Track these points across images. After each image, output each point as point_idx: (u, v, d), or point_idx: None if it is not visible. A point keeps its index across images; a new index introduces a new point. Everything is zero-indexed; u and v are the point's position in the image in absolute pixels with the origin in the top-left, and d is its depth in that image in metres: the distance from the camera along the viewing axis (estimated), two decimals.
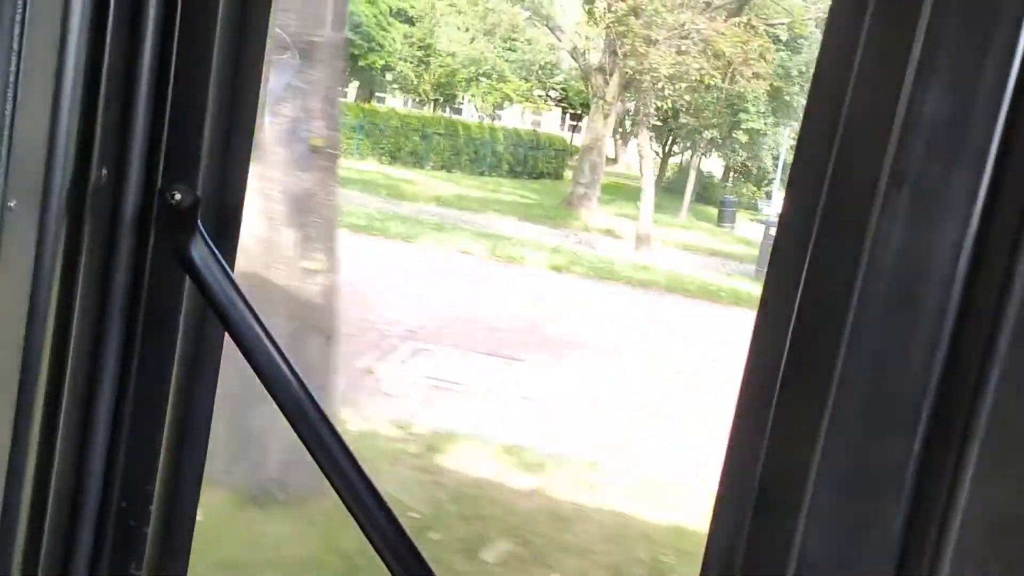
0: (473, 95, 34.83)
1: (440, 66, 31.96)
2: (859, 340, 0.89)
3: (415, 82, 33.93)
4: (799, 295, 0.92)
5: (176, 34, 1.14)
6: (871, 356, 0.89)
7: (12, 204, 1.04)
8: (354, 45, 30.37)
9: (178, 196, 1.17)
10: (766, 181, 31.93)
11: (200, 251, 1.19)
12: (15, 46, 1.02)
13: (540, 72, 31.61)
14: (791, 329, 0.92)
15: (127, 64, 1.13)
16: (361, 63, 31.61)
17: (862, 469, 0.91)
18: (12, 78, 1.02)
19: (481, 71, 31.48)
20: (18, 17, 1.02)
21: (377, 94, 36.43)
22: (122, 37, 1.11)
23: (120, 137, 1.14)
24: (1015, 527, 0.88)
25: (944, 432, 0.88)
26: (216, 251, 1.20)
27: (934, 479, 0.89)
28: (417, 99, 36.73)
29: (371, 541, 1.18)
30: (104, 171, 1.13)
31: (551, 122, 41.06)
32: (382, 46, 31.92)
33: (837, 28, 0.92)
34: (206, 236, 1.19)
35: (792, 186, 0.95)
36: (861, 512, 0.92)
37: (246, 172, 1.23)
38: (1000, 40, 0.83)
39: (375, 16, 31.54)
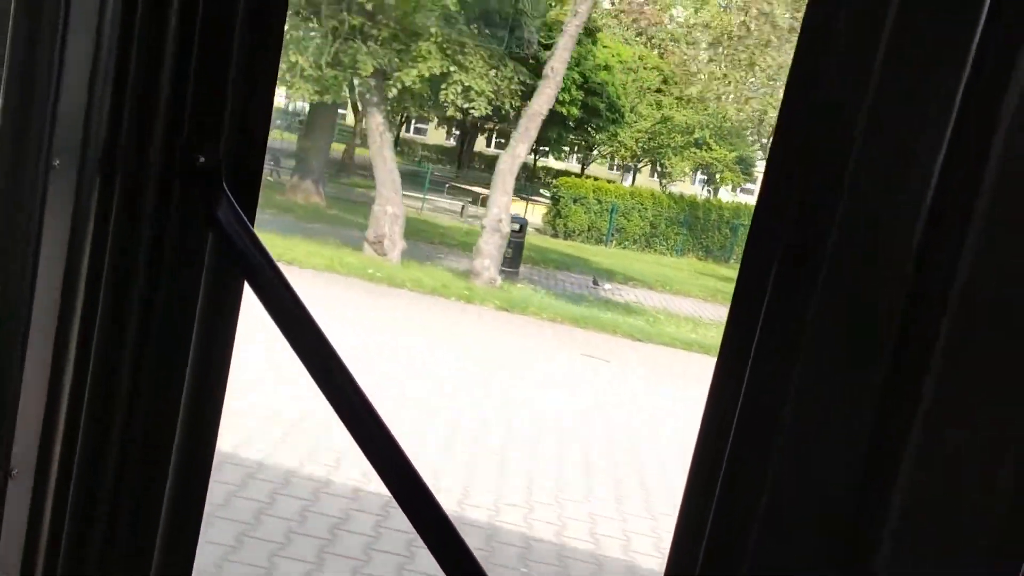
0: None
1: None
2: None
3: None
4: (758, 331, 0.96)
5: (200, 11, 1.24)
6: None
7: (56, 163, 1.19)
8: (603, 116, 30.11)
9: (202, 159, 1.27)
10: None
11: (224, 210, 1.29)
12: (59, 30, 1.17)
13: None
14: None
15: (155, 40, 1.23)
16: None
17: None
18: (57, 56, 1.17)
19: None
20: (62, 7, 1.16)
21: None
22: (150, 17, 1.22)
23: (149, 105, 1.24)
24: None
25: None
26: (239, 209, 1.30)
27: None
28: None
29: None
30: (134, 136, 1.24)
31: None
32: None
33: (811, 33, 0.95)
34: (231, 196, 1.29)
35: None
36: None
37: (266, 136, 1.33)
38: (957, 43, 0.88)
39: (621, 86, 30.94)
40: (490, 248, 17.67)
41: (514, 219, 19.60)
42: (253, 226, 1.32)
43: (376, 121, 18.93)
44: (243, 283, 1.34)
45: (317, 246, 17.30)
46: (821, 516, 0.95)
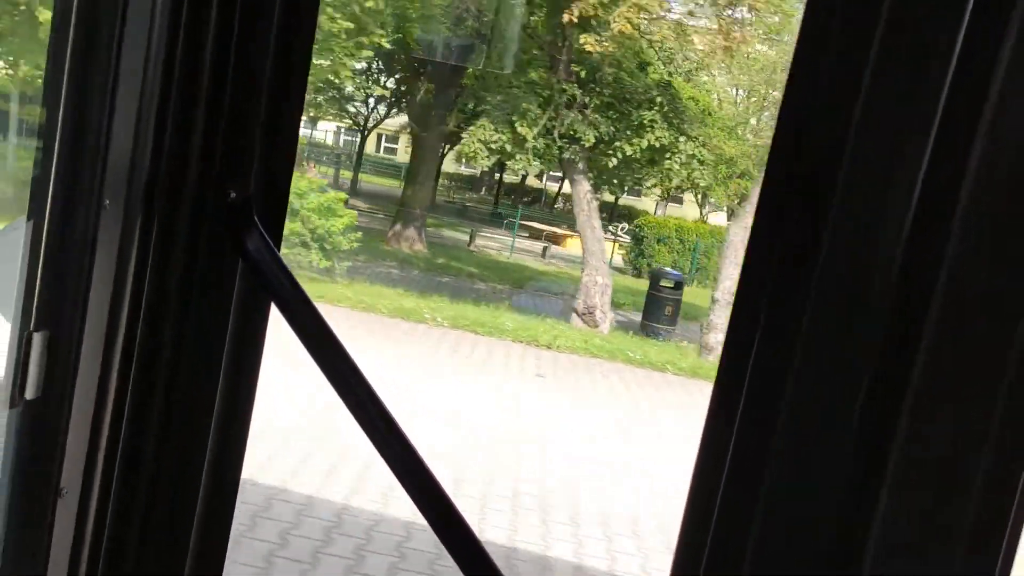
0: None
1: None
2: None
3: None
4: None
5: (232, 57, 1.36)
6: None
7: (107, 203, 1.34)
8: None
9: (233, 194, 1.38)
10: None
11: (254, 241, 1.39)
12: (111, 78, 1.32)
13: None
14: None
15: (192, 84, 1.36)
16: None
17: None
18: (107, 111, 1.33)
19: None
20: (112, 62, 1.32)
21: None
22: (187, 62, 1.35)
23: (186, 145, 1.37)
24: None
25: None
26: (268, 240, 1.39)
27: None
28: None
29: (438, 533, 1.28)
30: (172, 174, 1.37)
31: None
32: None
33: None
34: (260, 227, 1.39)
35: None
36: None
37: (291, 170, 1.44)
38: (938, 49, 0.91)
39: None
40: (722, 322, 16.75)
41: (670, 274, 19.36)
42: (279, 251, 1.41)
43: (583, 189, 19.01)
44: (269, 309, 1.43)
45: (524, 318, 17.12)
46: (817, 516, 0.99)
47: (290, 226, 15.83)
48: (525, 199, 44.14)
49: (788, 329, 0.98)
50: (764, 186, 1.03)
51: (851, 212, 0.95)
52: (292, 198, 15.80)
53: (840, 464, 0.98)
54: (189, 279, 1.39)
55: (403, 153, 45.37)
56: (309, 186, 16.68)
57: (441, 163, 31.66)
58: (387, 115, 37.71)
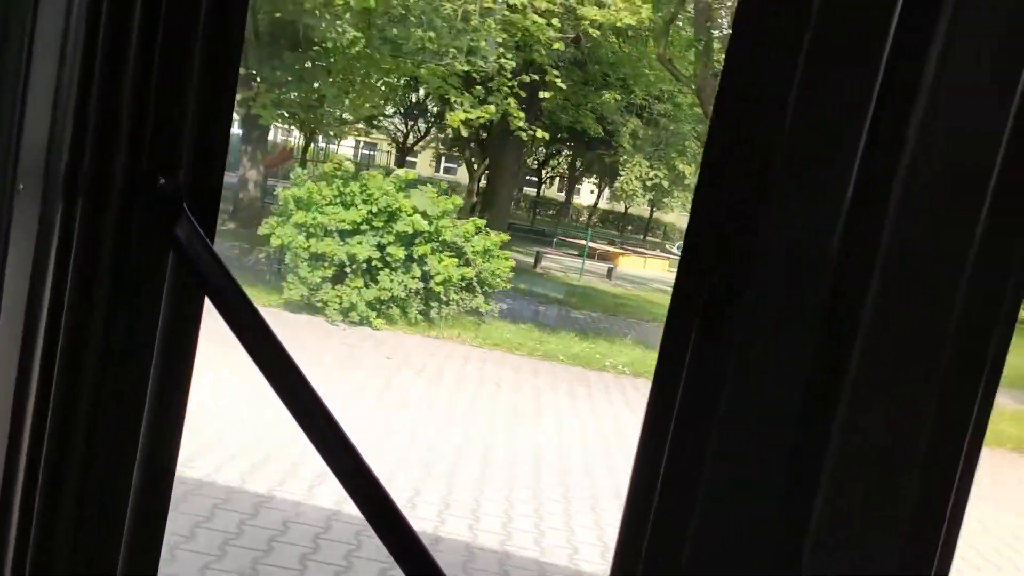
0: None
1: None
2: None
3: None
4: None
5: (159, 34, 1.32)
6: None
7: (21, 187, 1.29)
8: None
9: (163, 180, 1.33)
10: None
11: (185, 230, 1.33)
12: (24, 54, 1.28)
13: None
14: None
15: (116, 66, 1.32)
16: None
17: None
18: (21, 87, 1.28)
19: None
20: (26, 36, 1.28)
21: None
22: (111, 42, 1.31)
23: (109, 128, 1.32)
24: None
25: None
26: (200, 229, 1.34)
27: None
28: None
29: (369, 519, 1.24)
30: (96, 159, 1.33)
31: None
32: None
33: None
34: (191, 216, 1.34)
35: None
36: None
37: (224, 158, 1.38)
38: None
39: None
40: None
41: None
42: (213, 244, 1.35)
43: None
44: (203, 301, 1.37)
45: None
46: (755, 513, 0.99)
47: (462, 271, 16.04)
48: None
49: (724, 325, 0.99)
50: (699, 183, 1.03)
51: (786, 206, 0.96)
52: (458, 240, 16.08)
53: (778, 459, 0.98)
54: (117, 271, 1.35)
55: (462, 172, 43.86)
56: (474, 226, 16.81)
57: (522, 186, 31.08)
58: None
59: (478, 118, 21.16)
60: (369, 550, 6.60)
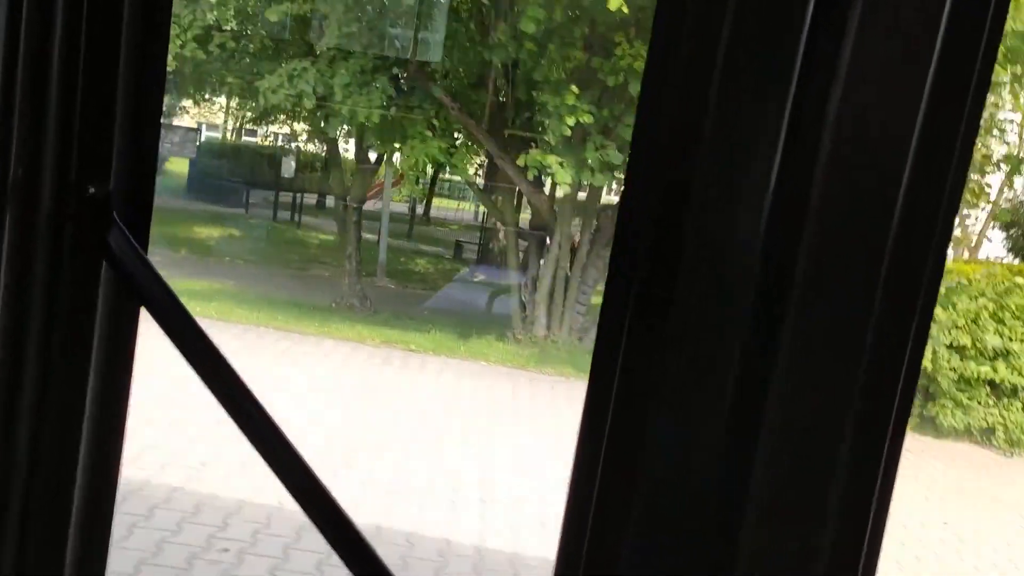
0: None
1: None
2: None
3: None
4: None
5: (83, 44, 1.29)
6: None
7: None
8: None
9: (92, 189, 1.31)
10: None
11: (116, 239, 1.32)
12: None
13: None
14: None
15: (39, 75, 1.29)
16: None
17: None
18: None
19: None
20: None
21: None
22: (33, 51, 1.28)
23: (35, 137, 1.30)
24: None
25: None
26: (132, 238, 1.32)
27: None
28: None
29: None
30: (21, 169, 1.30)
31: None
32: None
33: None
34: (122, 225, 1.32)
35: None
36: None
37: (155, 164, 1.36)
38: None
39: None
40: None
41: None
42: (147, 254, 1.34)
43: None
44: (139, 310, 1.36)
45: None
46: (692, 499, 1.03)
47: None
48: None
49: (656, 321, 1.01)
50: (627, 181, 1.06)
51: (710, 204, 0.99)
52: None
53: (713, 444, 1.02)
54: (50, 282, 1.33)
55: None
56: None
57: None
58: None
59: None
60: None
